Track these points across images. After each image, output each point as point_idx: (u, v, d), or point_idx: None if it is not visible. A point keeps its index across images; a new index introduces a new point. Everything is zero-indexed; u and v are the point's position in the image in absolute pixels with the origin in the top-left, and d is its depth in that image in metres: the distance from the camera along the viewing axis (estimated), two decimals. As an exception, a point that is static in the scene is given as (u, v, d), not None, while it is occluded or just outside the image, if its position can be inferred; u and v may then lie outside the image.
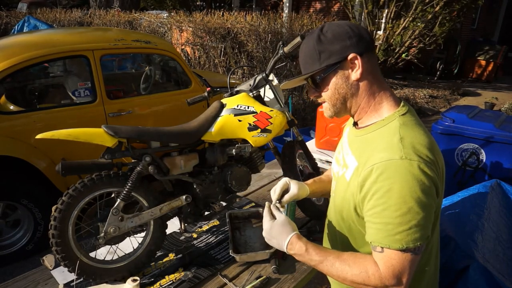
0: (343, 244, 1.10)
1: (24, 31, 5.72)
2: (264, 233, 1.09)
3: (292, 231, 1.05)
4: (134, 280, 1.35)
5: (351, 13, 9.43)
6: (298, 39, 1.59)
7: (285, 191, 1.22)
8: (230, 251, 1.54)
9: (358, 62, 0.94)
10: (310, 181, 1.33)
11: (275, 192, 1.20)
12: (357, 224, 1.00)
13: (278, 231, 1.06)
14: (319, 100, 1.06)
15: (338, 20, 9.78)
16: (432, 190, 0.86)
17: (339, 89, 0.98)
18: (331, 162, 1.25)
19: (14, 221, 2.63)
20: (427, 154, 0.87)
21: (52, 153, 2.61)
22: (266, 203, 1.16)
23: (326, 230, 1.24)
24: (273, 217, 1.11)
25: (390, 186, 0.84)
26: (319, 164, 2.22)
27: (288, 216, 1.63)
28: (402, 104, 0.99)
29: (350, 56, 0.94)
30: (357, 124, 1.06)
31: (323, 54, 0.96)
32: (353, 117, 1.06)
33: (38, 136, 1.33)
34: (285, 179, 1.23)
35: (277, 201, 1.18)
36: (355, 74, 0.95)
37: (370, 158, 0.90)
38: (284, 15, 9.33)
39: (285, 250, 1.04)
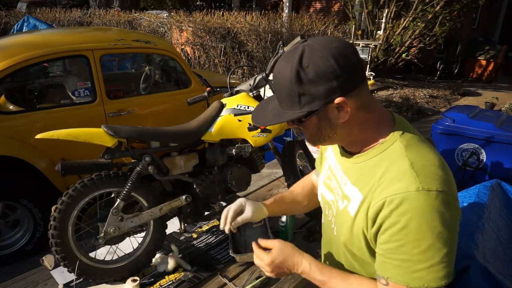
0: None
1: (23, 30, 5.72)
2: (270, 271, 0.99)
3: (292, 250, 0.99)
4: (134, 280, 1.35)
5: (351, 13, 9.44)
6: (298, 38, 1.59)
7: (240, 213, 1.15)
8: (230, 251, 1.54)
9: (346, 106, 0.81)
10: (270, 200, 1.24)
11: (228, 215, 1.13)
12: (369, 259, 0.92)
13: (281, 259, 0.98)
14: None
15: (338, 20, 9.83)
16: (455, 220, 0.78)
17: (323, 131, 0.87)
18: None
19: (13, 221, 2.63)
20: (442, 175, 0.78)
21: (52, 153, 2.60)
22: (221, 227, 1.13)
23: (324, 259, 1.17)
24: (265, 250, 1.01)
25: (406, 222, 0.76)
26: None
27: (287, 219, 1.65)
28: (396, 120, 0.89)
29: (337, 100, 0.79)
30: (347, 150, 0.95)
31: (304, 98, 0.81)
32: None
33: (38, 136, 1.32)
34: (241, 201, 1.17)
35: (230, 224, 1.15)
36: (342, 117, 0.82)
37: (379, 189, 0.81)
38: (284, 15, 9.33)
39: (296, 272, 0.99)
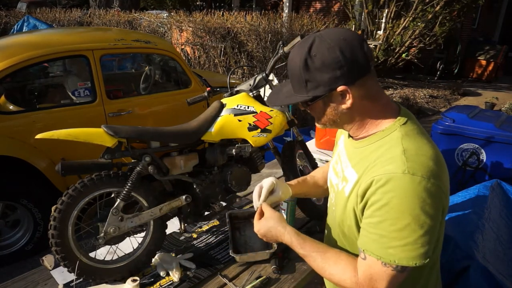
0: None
1: (23, 30, 5.72)
2: (260, 237, 1.12)
3: (276, 223, 1.08)
4: (134, 280, 1.35)
5: (351, 13, 9.44)
6: (298, 38, 1.59)
7: (271, 192, 1.21)
8: (230, 251, 1.54)
9: (348, 94, 0.88)
10: (294, 181, 1.32)
11: (262, 193, 1.19)
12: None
13: (265, 230, 1.10)
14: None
15: (338, 20, 9.83)
16: (436, 209, 0.82)
17: (328, 114, 0.95)
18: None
19: (13, 221, 2.63)
20: (432, 166, 0.82)
21: (52, 153, 2.60)
22: (255, 205, 1.17)
23: (324, 241, 1.22)
24: (262, 215, 1.13)
25: (388, 200, 0.81)
26: (319, 164, 2.22)
27: (288, 216, 1.64)
28: (401, 112, 0.94)
29: (339, 88, 0.87)
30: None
31: (310, 84, 0.90)
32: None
33: (38, 136, 1.32)
34: (272, 179, 1.21)
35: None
36: (345, 104, 0.90)
37: (371, 170, 0.87)
38: (284, 15, 9.32)
39: (280, 241, 1.09)
